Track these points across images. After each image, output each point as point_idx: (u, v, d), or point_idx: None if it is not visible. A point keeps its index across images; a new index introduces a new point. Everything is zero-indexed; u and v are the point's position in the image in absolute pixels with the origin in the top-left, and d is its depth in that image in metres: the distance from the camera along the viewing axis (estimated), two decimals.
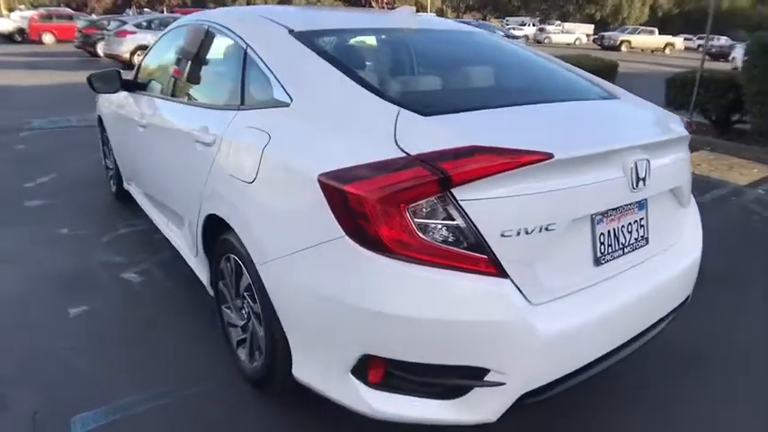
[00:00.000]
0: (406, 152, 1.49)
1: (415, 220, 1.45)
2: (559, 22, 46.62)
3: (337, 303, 1.56)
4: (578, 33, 39.16)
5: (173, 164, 2.57)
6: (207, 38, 2.56)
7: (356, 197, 1.47)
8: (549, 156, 1.48)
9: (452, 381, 1.55)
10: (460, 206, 1.44)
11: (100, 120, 4.33)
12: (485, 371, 1.52)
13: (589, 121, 1.91)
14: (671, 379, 2.35)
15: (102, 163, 4.75)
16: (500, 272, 1.49)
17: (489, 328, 1.48)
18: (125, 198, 4.18)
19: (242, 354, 2.23)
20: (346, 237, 1.50)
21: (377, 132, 1.59)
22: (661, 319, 1.96)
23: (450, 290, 1.47)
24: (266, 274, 1.79)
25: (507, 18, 47.67)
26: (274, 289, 1.78)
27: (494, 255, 1.48)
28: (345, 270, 1.53)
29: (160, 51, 3.32)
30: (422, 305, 1.46)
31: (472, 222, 1.45)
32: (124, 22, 15.40)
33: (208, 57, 2.55)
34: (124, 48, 14.37)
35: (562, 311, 1.58)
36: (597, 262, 1.73)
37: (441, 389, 1.57)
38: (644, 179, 1.76)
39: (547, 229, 1.55)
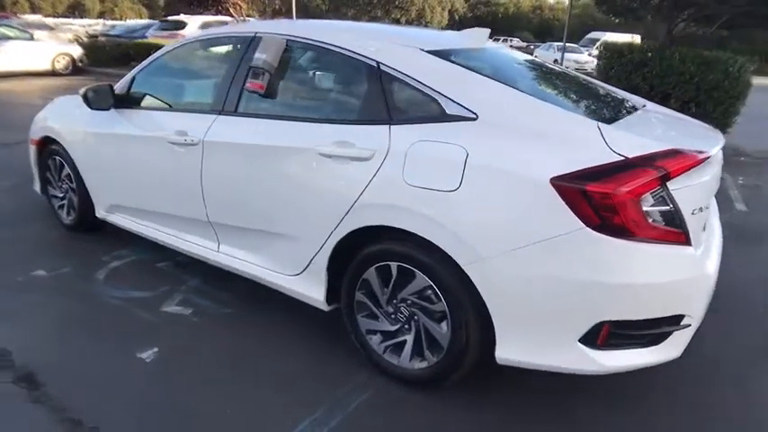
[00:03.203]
0: (624, 155, 1.82)
1: (644, 208, 1.80)
2: None
3: (575, 284, 1.83)
4: None
5: (271, 182, 2.47)
6: (292, 52, 2.50)
7: (602, 194, 1.77)
8: (708, 156, 1.95)
9: (661, 329, 1.93)
10: (672, 195, 1.84)
11: (45, 142, 3.74)
12: (681, 317, 1.94)
13: (685, 128, 2.38)
14: None
15: (31, 192, 4.11)
16: (688, 241, 1.91)
17: (688, 282, 1.92)
18: (88, 229, 3.74)
19: (393, 358, 2.30)
20: (586, 228, 1.78)
21: (589, 140, 1.89)
22: None
23: (667, 258, 1.86)
24: (477, 272, 1.95)
25: None
26: (488, 284, 1.94)
27: (687, 229, 1.89)
28: (587, 255, 1.81)
29: (182, 65, 3.06)
30: (651, 273, 1.84)
31: (678, 207, 1.86)
32: None
33: (305, 72, 2.51)
34: None
35: (708, 263, 2.06)
36: (703, 228, 2.24)
37: (651, 338, 1.95)
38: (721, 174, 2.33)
39: (706, 207, 2.04)
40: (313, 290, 2.47)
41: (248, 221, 2.63)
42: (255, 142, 2.50)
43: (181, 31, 13.67)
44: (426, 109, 2.14)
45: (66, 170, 3.67)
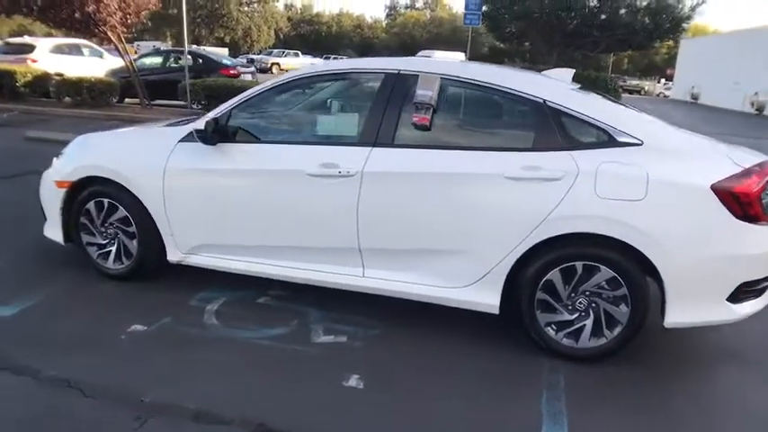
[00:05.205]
0: (742, 166, 2.59)
1: (762, 201, 2.59)
2: (196, 45, 46.95)
3: (728, 258, 2.57)
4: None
5: (450, 205, 2.75)
6: (451, 89, 2.84)
7: (744, 194, 2.51)
8: None
9: (763, 285, 2.71)
10: None
11: (80, 184, 3.45)
12: None
13: (735, 145, 3.20)
14: None
15: (38, 241, 3.79)
16: None
17: None
18: (140, 276, 3.51)
19: (571, 342, 2.77)
20: (733, 218, 2.52)
21: (720, 156, 2.67)
22: None
23: None
24: (661, 260, 2.55)
25: (137, 43, 45.24)
26: (669, 268, 2.55)
27: None
28: (735, 237, 2.56)
29: (301, 99, 3.12)
30: (765, 245, 2.60)
31: None
32: None
33: (467, 107, 2.84)
34: None
35: None
36: None
37: (759, 291, 2.73)
38: None
39: None
40: (486, 297, 2.82)
41: (415, 243, 2.87)
42: (430, 170, 2.77)
43: (29, 55, 12.03)
44: (597, 137, 2.69)
45: (121, 213, 3.40)
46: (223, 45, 51.16)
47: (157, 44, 42.32)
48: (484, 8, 11.30)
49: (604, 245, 2.61)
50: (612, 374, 2.73)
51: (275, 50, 40.73)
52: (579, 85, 3.18)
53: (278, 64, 34.97)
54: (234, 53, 45.12)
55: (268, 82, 3.20)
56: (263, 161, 3.07)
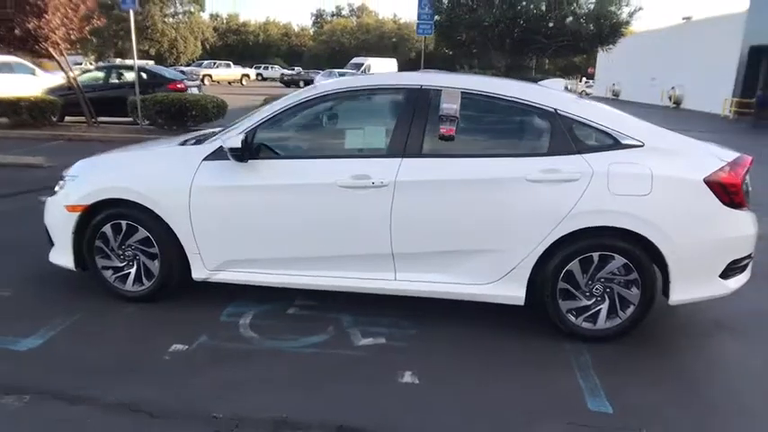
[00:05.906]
0: (725, 161, 3.01)
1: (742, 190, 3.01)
2: (120, 60, 44.99)
3: (720, 240, 3.00)
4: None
5: (478, 208, 3.00)
6: (470, 102, 3.08)
7: (731, 184, 2.93)
8: None
9: (745, 262, 3.14)
10: (747, 181, 3.08)
11: (95, 207, 3.43)
12: (751, 254, 3.17)
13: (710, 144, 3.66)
14: None
15: (43, 271, 3.77)
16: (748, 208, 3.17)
17: (755, 232, 3.12)
18: (156, 298, 3.52)
19: (589, 325, 3.10)
20: (723, 206, 2.93)
21: (707, 153, 3.07)
22: None
23: (748, 218, 3.07)
24: (667, 247, 2.91)
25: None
26: (673, 253, 2.92)
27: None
28: (725, 222, 2.98)
29: (327, 115, 3.26)
30: (747, 227, 3.05)
31: (749, 188, 3.10)
32: None
33: (487, 117, 3.09)
34: None
35: None
36: None
37: (741, 268, 3.15)
38: None
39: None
40: (513, 290, 3.10)
41: (446, 246, 3.10)
42: (458, 177, 3.02)
43: None
44: (604, 141, 3.03)
45: (142, 234, 3.41)
46: (148, 57, 49.20)
47: (78, 59, 40.03)
48: (436, 17, 11.80)
49: (617, 236, 2.95)
50: (629, 351, 3.07)
51: (205, 61, 39.69)
52: (577, 95, 3.53)
53: (210, 75, 34.15)
54: (160, 64, 43.57)
55: (289, 99, 3.33)
56: (295, 175, 3.19)
